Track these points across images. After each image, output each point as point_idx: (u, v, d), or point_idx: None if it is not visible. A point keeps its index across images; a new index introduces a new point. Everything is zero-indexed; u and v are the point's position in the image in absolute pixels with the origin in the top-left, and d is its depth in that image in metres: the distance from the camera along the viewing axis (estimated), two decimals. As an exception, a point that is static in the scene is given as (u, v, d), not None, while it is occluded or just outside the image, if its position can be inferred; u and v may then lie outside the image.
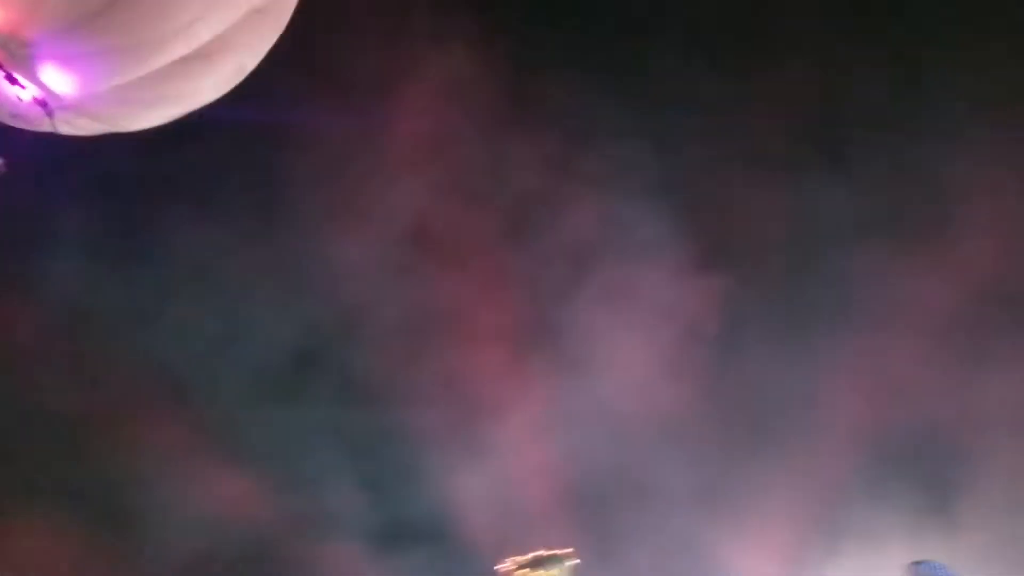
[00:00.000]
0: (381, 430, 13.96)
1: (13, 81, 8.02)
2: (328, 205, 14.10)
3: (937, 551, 12.14)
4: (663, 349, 14.05)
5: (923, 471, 13.02)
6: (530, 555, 11.59)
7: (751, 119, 13.91)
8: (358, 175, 14.18)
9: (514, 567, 11.62)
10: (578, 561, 11.60)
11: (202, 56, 8.42)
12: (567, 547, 12.08)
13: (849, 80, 13.74)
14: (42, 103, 8.19)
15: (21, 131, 8.61)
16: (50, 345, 13.41)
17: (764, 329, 13.84)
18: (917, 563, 10.84)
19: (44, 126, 8.48)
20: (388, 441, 13.94)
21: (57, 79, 8.20)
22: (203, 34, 8.33)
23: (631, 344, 14.10)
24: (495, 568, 12.00)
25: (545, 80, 14.09)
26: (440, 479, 13.86)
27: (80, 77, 8.24)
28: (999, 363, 13.03)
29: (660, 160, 14.22)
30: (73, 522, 13.05)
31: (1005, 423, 12.90)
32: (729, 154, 14.13)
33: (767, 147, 13.94)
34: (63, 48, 8.00)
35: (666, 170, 14.22)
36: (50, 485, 13.23)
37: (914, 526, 12.72)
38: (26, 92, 8.12)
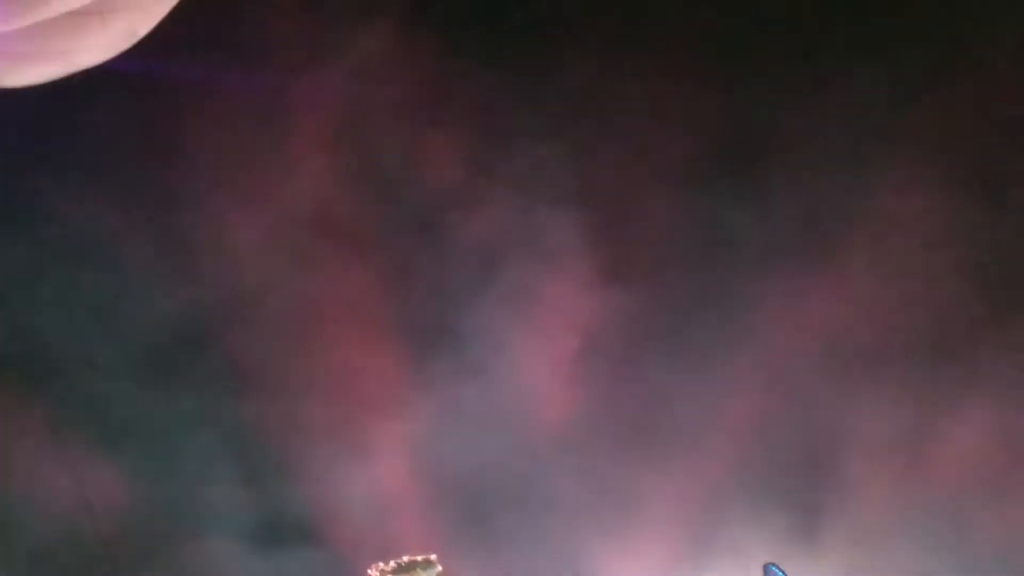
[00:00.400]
0: (264, 423, 13.49)
1: None
2: (226, 182, 13.55)
3: (799, 570, 12.48)
4: (561, 358, 13.98)
5: (794, 493, 13.33)
6: (392, 562, 11.78)
7: (668, 137, 13.97)
8: (262, 153, 13.67)
9: (379, 573, 11.85)
10: (440, 568, 11.76)
11: (92, 13, 7.92)
12: (443, 552, 12.12)
13: (765, 107, 13.91)
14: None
15: None
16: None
17: (661, 346, 13.92)
18: (768, 564, 11.85)
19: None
20: (270, 435, 13.47)
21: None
22: (94, -12, 7.80)
23: (529, 350, 13.99)
24: (367, 572, 12.02)
25: (465, 75, 13.85)
26: (322, 477, 13.50)
27: (-47, 22, 7.57)
28: (880, 394, 13.39)
29: (573, 168, 14.14)
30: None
31: (876, 453, 13.30)
32: (643, 169, 14.12)
33: (681, 165, 14.02)
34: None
35: (578, 179, 14.14)
36: None
37: (781, 545, 12.99)
38: None
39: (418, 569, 11.85)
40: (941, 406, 13.32)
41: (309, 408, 13.64)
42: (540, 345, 14.03)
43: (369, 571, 12.03)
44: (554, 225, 14.05)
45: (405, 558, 11.95)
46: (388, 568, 11.91)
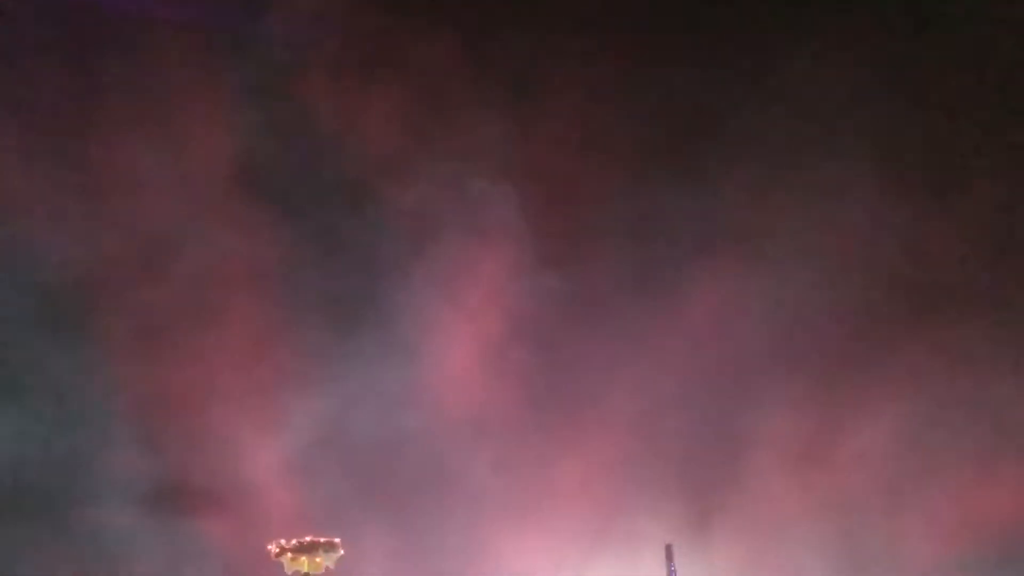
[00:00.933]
0: (169, 385, 12.97)
1: None
2: (145, 122, 12.93)
3: (689, 563, 12.62)
4: (483, 339, 13.85)
5: (695, 486, 13.52)
6: (295, 540, 11.76)
7: (609, 122, 13.80)
8: (187, 95, 13.01)
9: (279, 550, 11.87)
10: (342, 552, 11.78)
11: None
12: (348, 530, 12.07)
13: (706, 97, 13.82)
14: None
15: None
16: None
17: (582, 332, 13.90)
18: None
19: None
20: (175, 398, 12.97)
21: None
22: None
23: (452, 330, 13.78)
24: (267, 548, 11.93)
25: (410, 40, 13.41)
26: (227, 447, 13.10)
27: None
28: (790, 395, 13.58)
29: (511, 146, 13.89)
30: None
31: (768, 452, 13.49)
32: (583, 152, 13.93)
33: (620, 150, 13.88)
34: None
35: (516, 157, 13.90)
36: None
37: (675, 533, 13.15)
38: None
39: (319, 550, 11.88)
40: (845, 411, 13.61)
41: (219, 373, 13.20)
42: (464, 325, 13.81)
43: (269, 547, 12.04)
44: (488, 202, 13.78)
45: (308, 538, 11.97)
46: (288, 545, 11.95)
